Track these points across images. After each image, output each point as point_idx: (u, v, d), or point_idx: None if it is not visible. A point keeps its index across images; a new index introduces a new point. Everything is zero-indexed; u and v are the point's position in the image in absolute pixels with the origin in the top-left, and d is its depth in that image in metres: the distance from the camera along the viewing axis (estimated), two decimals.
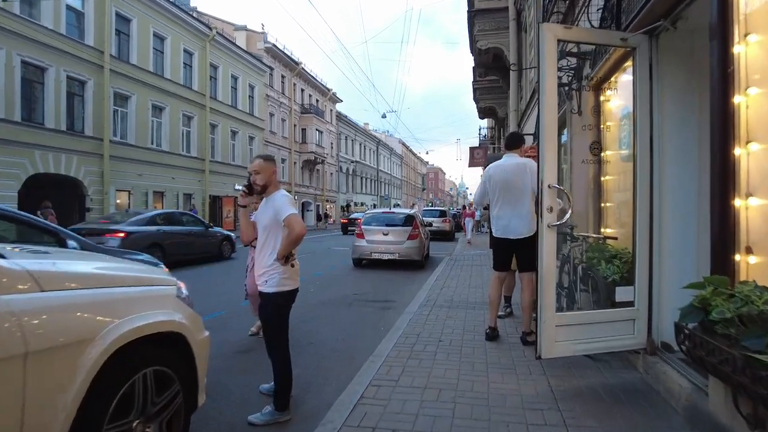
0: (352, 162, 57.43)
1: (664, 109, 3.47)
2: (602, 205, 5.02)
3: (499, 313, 5.21)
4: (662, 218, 3.46)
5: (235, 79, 32.34)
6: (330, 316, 6.47)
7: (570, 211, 3.18)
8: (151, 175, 23.79)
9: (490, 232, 5.02)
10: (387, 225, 11.62)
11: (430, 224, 16.59)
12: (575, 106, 5.53)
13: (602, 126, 5.00)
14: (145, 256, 5.46)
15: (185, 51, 26.88)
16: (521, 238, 4.53)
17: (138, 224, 11.40)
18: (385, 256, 11.28)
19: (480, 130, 35.22)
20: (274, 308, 3.16)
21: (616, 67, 4.31)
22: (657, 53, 3.47)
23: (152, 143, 24.25)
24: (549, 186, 3.14)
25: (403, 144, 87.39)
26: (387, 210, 12.49)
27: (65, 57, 18.78)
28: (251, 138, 34.24)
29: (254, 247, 3.69)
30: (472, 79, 20.70)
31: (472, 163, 13.47)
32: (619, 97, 4.60)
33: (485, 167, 14.61)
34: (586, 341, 3.28)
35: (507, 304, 5.75)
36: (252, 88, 34.45)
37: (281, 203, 3.11)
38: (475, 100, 21.20)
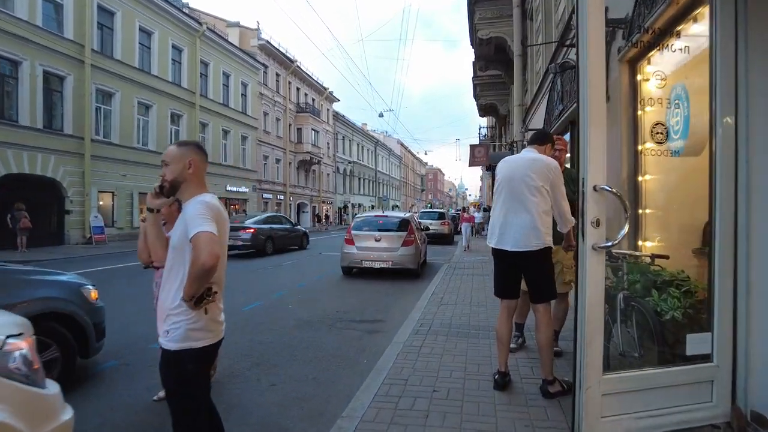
0: (350, 162, 56.36)
1: (753, 82, 2.43)
2: (640, 211, 3.97)
3: (510, 345, 4.14)
4: (751, 234, 2.42)
5: (226, 76, 31.30)
6: (305, 342, 5.42)
7: (627, 226, 2.12)
8: (136, 176, 22.72)
9: None
10: (379, 230, 10.57)
11: (427, 228, 15.53)
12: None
13: (640, 112, 3.95)
14: (70, 276, 4.40)
15: (174, 47, 25.83)
16: (522, 252, 3.46)
17: (258, 223, 16.70)
18: (377, 265, 10.23)
19: (480, 129, 34.19)
20: (179, 374, 2.11)
21: (667, 31, 3.25)
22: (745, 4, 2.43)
23: (138, 142, 23.21)
24: (595, 188, 2.09)
25: (402, 144, 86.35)
26: (380, 213, 11.43)
27: (42, 51, 17.72)
28: (244, 137, 33.18)
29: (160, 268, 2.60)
30: (472, 75, 19.66)
31: (473, 162, 12.41)
32: (666, 72, 3.55)
33: (487, 167, 13.39)
34: (645, 415, 2.25)
35: (518, 333, 4.68)
36: (245, 86, 33.40)
37: (192, 214, 2.06)
38: (475, 96, 20.16)
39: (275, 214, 22.29)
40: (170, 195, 2.36)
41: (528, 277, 3.64)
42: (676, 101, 3.33)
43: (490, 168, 14.44)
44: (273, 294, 8.42)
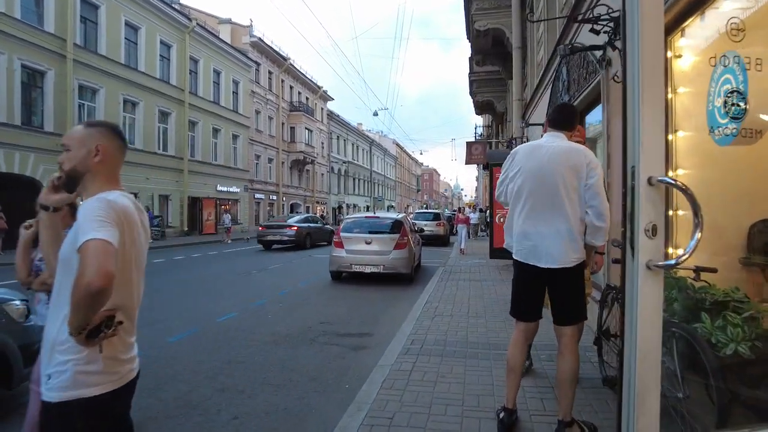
0: (344, 162, 55.69)
1: None
2: (671, 213, 3.35)
3: None
4: None
5: (217, 74, 30.57)
6: (281, 361, 4.77)
7: (698, 234, 1.48)
8: (122, 175, 21.31)
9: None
10: (370, 232, 9.92)
11: (422, 230, 14.88)
12: (619, 71, 3.87)
13: (670, 94, 3.32)
14: None
15: (162, 43, 25.09)
16: (558, 269, 2.82)
17: (299, 222, 20.15)
18: (368, 269, 9.58)
19: (476, 128, 33.62)
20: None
21: None
22: None
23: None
24: (651, 181, 1.46)
25: (398, 144, 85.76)
26: (370, 215, 10.78)
27: (20, 44, 16.96)
28: (235, 136, 32.46)
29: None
30: (468, 71, 19.05)
31: (470, 159, 11.77)
32: (708, 44, 2.93)
33: (484, 166, 12.78)
34: None
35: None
36: (236, 83, 32.68)
37: (85, 216, 1.44)
38: (472, 93, 19.55)
39: (310, 215, 28.41)
40: (72, 189, 1.74)
41: (557, 294, 2.97)
42: (725, 77, 2.70)
43: (488, 166, 13.83)
44: (253, 302, 7.75)
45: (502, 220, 10.95)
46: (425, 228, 21.17)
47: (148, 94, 23.79)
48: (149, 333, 5.62)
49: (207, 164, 29.14)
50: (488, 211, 29.68)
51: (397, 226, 9.99)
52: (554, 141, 2.98)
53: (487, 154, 12.09)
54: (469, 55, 18.65)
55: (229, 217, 25.23)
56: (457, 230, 15.72)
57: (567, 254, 2.80)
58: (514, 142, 11.24)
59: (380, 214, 10.92)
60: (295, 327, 6.11)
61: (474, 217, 20.59)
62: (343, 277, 10.22)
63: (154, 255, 15.79)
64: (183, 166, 26.45)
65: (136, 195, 24.13)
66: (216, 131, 30.43)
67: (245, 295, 8.49)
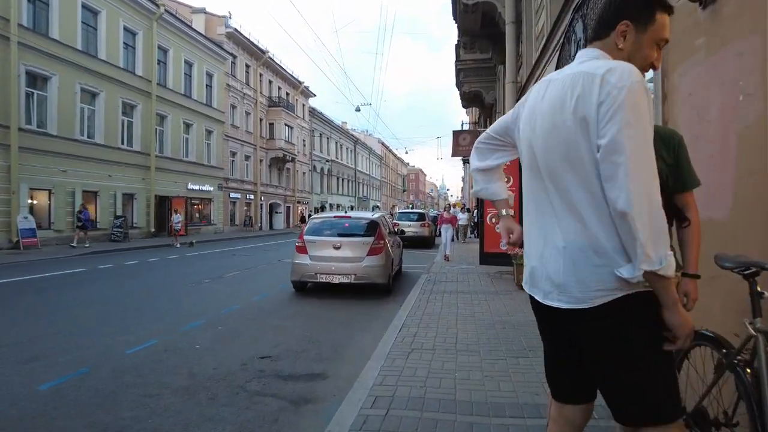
0: (327, 161, 54.06)
1: None
2: None
3: None
4: None
5: (189, 65, 28.77)
6: (182, 428, 3.21)
7: None
8: (79, 172, 20.16)
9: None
10: (340, 235, 8.40)
11: (403, 232, 13.43)
12: None
13: None
14: None
15: (126, 29, 23.25)
16: (578, 311, 1.45)
17: None
18: (336, 279, 8.06)
19: (462, 125, 32.25)
20: None
21: None
22: None
23: (82, 134, 20.60)
24: None
25: (383, 144, 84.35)
26: (341, 214, 9.22)
27: None
28: (209, 132, 30.66)
29: None
30: (454, 59, 17.60)
31: (457, 151, 10.17)
32: None
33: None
34: None
35: None
36: (210, 76, 30.90)
37: None
38: (458, 84, 18.13)
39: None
40: None
41: (591, 364, 1.56)
42: None
43: None
44: (184, 325, 6.15)
45: (494, 220, 9.50)
46: (409, 229, 19.75)
47: (110, 84, 21.96)
48: (20, 375, 4.04)
49: (177, 161, 27.34)
50: (476, 210, 28.40)
51: (372, 228, 8.48)
52: (570, 69, 1.54)
53: None
54: (456, 41, 17.22)
55: (180, 217, 22.40)
56: (440, 232, 13.58)
57: (584, 283, 1.42)
58: None
59: (353, 213, 9.36)
60: (224, 365, 4.55)
61: (462, 217, 19.06)
62: (308, 288, 8.68)
63: (106, 259, 14.07)
64: (150, 162, 24.65)
65: (96, 193, 22.42)
66: (187, 126, 28.63)
67: (179, 314, 6.88)
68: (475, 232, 20.03)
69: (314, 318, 6.69)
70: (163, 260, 14.22)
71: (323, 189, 53.41)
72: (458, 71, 17.48)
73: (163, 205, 26.13)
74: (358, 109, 39.78)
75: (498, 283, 8.74)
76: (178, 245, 20.53)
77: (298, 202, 44.98)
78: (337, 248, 8.15)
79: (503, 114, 9.83)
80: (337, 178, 59.00)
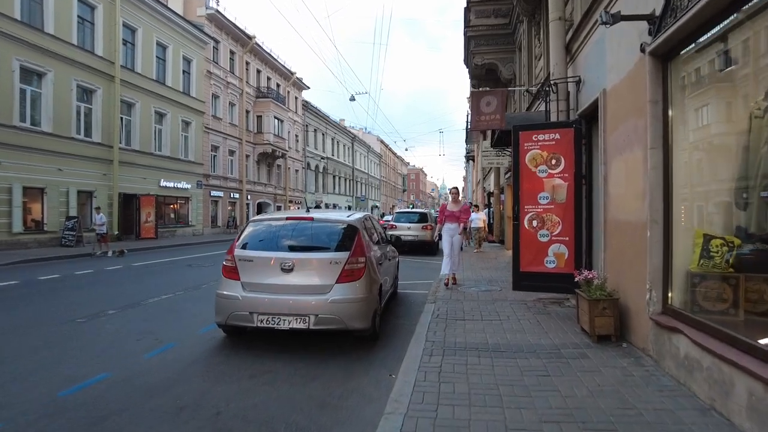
0: (322, 158, 50.87)
1: None
2: None
3: None
4: None
5: (162, 48, 25.61)
6: None
7: None
8: (18, 165, 16.99)
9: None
10: (294, 249, 5.22)
11: (398, 238, 10.31)
12: None
13: None
14: None
15: (81, 1, 20.09)
16: None
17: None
18: (285, 323, 4.89)
19: (468, 114, 29.02)
20: None
21: None
22: None
23: (22, 121, 17.42)
24: None
25: (382, 142, 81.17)
26: (300, 215, 5.90)
27: None
28: (186, 123, 27.50)
29: None
30: (463, 25, 14.43)
31: (478, 123, 7.06)
32: None
33: (496, 136, 7.95)
34: None
35: None
36: (188, 61, 27.74)
37: None
38: (468, 57, 14.98)
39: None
40: None
41: None
42: None
43: (501, 139, 9.09)
44: None
45: (536, 223, 6.32)
46: (408, 232, 16.58)
47: (61, 63, 18.79)
48: None
49: (147, 154, 24.18)
50: (488, 209, 25.00)
51: (347, 238, 5.28)
52: None
53: (508, 118, 7.42)
54: (465, 5, 14.06)
55: (102, 218, 17.07)
56: (440, 236, 8.82)
57: None
58: (549, 90, 6.65)
59: (318, 213, 6.05)
60: None
61: (475, 217, 15.42)
62: (248, 332, 5.49)
63: (15, 273, 10.84)
64: (113, 155, 21.50)
65: (42, 190, 19.27)
66: (160, 116, 25.48)
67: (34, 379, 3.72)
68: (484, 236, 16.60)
69: (232, 410, 3.53)
70: (69, 277, 10.68)
71: (318, 187, 50.22)
72: (468, 40, 14.31)
73: (130, 204, 23.02)
74: (352, 99, 36.54)
75: (549, 324, 5.56)
76: (99, 252, 16.44)
77: (290, 202, 41.80)
78: (288, 270, 4.98)
79: (543, 59, 6.23)
80: (334, 177, 55.81)
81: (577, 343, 4.68)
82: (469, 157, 39.32)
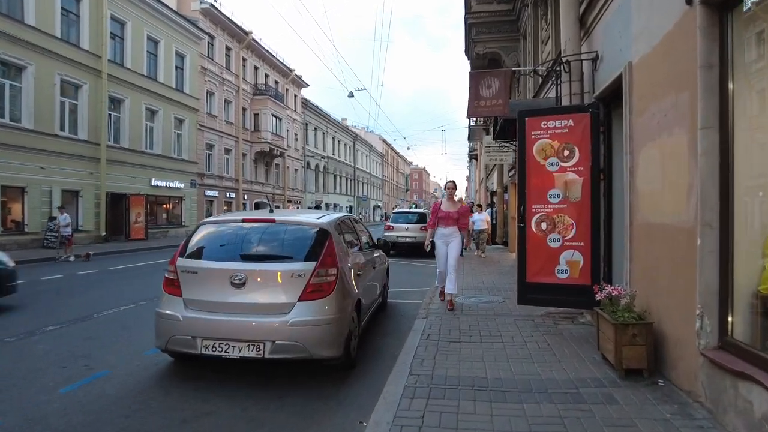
0: (323, 158, 49.96)
1: None
2: None
3: None
4: None
5: (154, 42, 24.74)
6: None
7: None
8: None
9: None
10: (247, 258, 4.26)
11: (392, 243, 9.32)
12: None
13: None
14: None
15: None
16: None
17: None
18: (236, 350, 3.94)
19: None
20: None
21: None
22: None
23: (1, 116, 16.56)
24: None
25: (385, 141, 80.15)
26: (257, 217, 4.89)
27: None
28: (179, 120, 26.61)
29: None
30: (464, 13, 13.46)
31: (477, 109, 6.04)
32: None
33: (498, 124, 7.12)
34: None
35: None
36: (181, 57, 26.85)
37: None
38: (468, 46, 14.01)
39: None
40: None
41: None
42: None
43: (504, 130, 8.10)
44: None
45: (545, 226, 5.36)
46: (406, 233, 15.62)
47: (42, 56, 17.92)
48: None
49: (137, 153, 23.30)
50: (491, 209, 23.79)
51: (316, 244, 4.32)
52: None
53: (510, 105, 6.41)
54: None
55: (67, 218, 15.44)
56: (433, 244, 6.75)
57: None
58: (559, 69, 5.69)
59: (283, 214, 5.03)
60: None
61: (479, 219, 13.72)
62: (201, 359, 4.54)
63: None
64: (100, 153, 20.61)
65: (23, 189, 18.41)
66: (152, 113, 24.61)
67: None
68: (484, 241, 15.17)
69: None
70: (31, 283, 9.34)
71: (318, 187, 49.31)
72: (469, 27, 13.34)
73: (119, 204, 22.16)
74: (351, 95, 35.57)
75: (562, 348, 4.59)
76: (66, 256, 15.01)
77: (289, 201, 40.88)
78: (240, 285, 4.03)
79: (531, 70, 5.30)
80: (334, 176, 54.88)
81: (599, 378, 3.70)
82: (472, 156, 38.31)
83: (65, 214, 15.55)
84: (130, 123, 22.90)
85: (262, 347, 3.92)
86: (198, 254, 4.37)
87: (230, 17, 31.15)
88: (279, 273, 4.10)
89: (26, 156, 17.22)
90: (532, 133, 5.43)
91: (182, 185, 26.59)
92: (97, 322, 6.36)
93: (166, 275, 4.36)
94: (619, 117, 5.07)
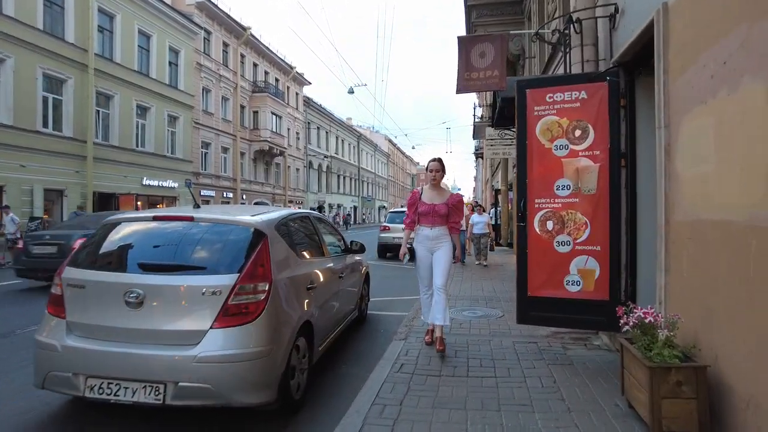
0: (326, 157, 48.98)
1: None
2: None
3: None
4: None
5: (146, 37, 23.86)
6: None
7: None
8: None
9: None
10: (149, 269, 3.15)
11: (389, 245, 8.16)
12: None
13: None
14: None
15: None
16: None
17: None
18: (128, 393, 2.91)
19: (475, 108, 26.87)
20: None
21: None
22: None
23: None
24: None
25: (390, 141, 79.05)
26: (172, 214, 3.70)
27: None
28: (173, 118, 25.71)
29: None
30: None
31: (468, 83, 4.96)
32: None
33: (496, 106, 6.00)
34: None
35: None
36: (175, 52, 25.96)
37: None
38: (469, 32, 12.88)
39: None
40: None
41: None
42: None
43: (504, 113, 6.96)
44: None
45: (551, 226, 4.25)
46: (401, 234, 14.47)
47: (24, 49, 17.06)
48: None
49: (128, 151, 22.39)
50: (494, 209, 22.32)
51: (241, 250, 3.22)
52: None
53: (509, 82, 5.24)
54: None
55: (15, 219, 14.03)
56: (411, 251, 4.77)
57: None
58: (573, 27, 4.57)
59: (209, 211, 3.82)
60: None
61: (480, 221, 11.61)
62: (90, 402, 3.46)
63: None
64: (87, 151, 19.69)
65: (1, 188, 17.52)
66: (143, 110, 23.71)
67: None
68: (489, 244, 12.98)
69: None
70: None
71: (321, 187, 48.31)
72: (469, 10, 12.22)
73: (108, 204, 21.24)
74: (351, 91, 34.48)
75: (572, 388, 3.46)
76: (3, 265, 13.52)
77: (290, 202, 39.89)
78: (136, 305, 2.97)
79: (534, 33, 4.21)
80: (338, 176, 53.84)
81: None
82: (478, 155, 37.12)
83: (11, 214, 14.33)
84: (120, 120, 22.00)
85: (162, 390, 2.85)
86: (89, 262, 3.30)
87: (228, 12, 30.25)
88: (187, 289, 3.02)
89: (4, 153, 16.35)
90: (535, 108, 4.30)
91: (176, 185, 25.68)
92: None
93: (54, 290, 3.30)
94: (646, 86, 3.95)
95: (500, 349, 4.43)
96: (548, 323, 4.44)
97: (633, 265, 4.14)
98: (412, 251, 4.76)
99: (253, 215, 3.58)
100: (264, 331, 3.05)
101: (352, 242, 5.59)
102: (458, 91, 5.22)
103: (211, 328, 2.94)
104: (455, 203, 4.60)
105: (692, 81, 2.83)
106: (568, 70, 4.83)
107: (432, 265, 4.55)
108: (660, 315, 2.75)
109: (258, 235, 3.34)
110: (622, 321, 2.89)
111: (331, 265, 4.65)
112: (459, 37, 5.11)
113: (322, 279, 4.19)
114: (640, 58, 3.95)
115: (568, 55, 4.70)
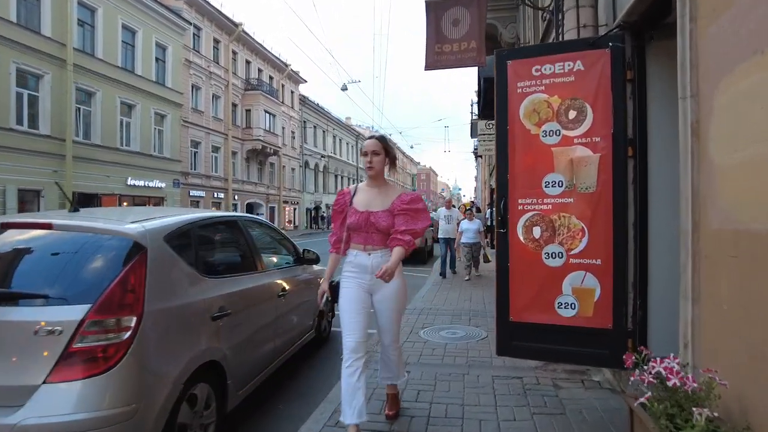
0: (323, 157, 48.10)
1: None
2: None
3: None
4: None
5: (131, 32, 23.03)
6: None
7: None
8: None
9: None
10: None
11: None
12: None
13: None
14: None
15: None
16: None
17: None
18: None
19: (473, 104, 26.01)
20: None
21: None
22: None
23: None
24: None
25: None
26: (26, 220, 2.88)
27: None
28: (160, 116, 24.87)
29: None
30: None
31: (437, 59, 4.10)
32: None
33: (480, 88, 5.02)
34: None
35: None
36: (162, 48, 25.13)
37: None
38: None
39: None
40: None
41: None
42: None
43: (486, 96, 6.15)
44: None
45: (540, 233, 3.32)
46: None
47: None
48: None
49: (111, 150, 21.54)
50: (490, 210, 21.25)
51: (104, 272, 2.33)
52: None
53: (485, 59, 4.34)
54: None
55: None
56: (335, 287, 3.12)
57: None
58: (563, 4, 3.68)
59: (77, 216, 2.77)
60: None
61: (471, 227, 10.06)
62: None
63: None
64: (66, 150, 18.86)
65: None
66: (128, 107, 22.86)
67: None
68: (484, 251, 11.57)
69: None
70: None
71: (318, 188, 47.45)
72: None
73: (90, 205, 20.36)
74: (344, 88, 33.59)
75: None
76: None
77: (285, 202, 39.08)
78: None
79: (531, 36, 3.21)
80: (335, 176, 52.96)
81: None
82: (478, 155, 36.23)
83: None
84: (102, 118, 21.16)
85: None
86: None
87: (219, 8, 29.42)
88: (13, 326, 2.14)
89: None
90: (519, 85, 3.40)
91: (163, 185, 24.84)
92: None
93: None
94: (659, 53, 3.05)
95: (475, 388, 3.52)
96: (535, 356, 3.53)
97: (643, 284, 3.23)
98: (335, 289, 3.04)
99: (137, 221, 2.68)
100: (126, 383, 2.16)
101: (305, 251, 4.68)
102: (427, 68, 4.30)
103: (44, 382, 2.06)
104: (405, 206, 2.86)
105: (735, 26, 1.93)
106: (560, 33, 3.94)
107: (375, 313, 2.95)
108: (690, 377, 1.83)
109: (134, 249, 2.45)
110: (632, 377, 1.98)
111: (267, 281, 3.75)
112: (428, 3, 4.20)
113: (245, 302, 3.28)
114: (651, 18, 3.06)
115: (561, 20, 3.80)
